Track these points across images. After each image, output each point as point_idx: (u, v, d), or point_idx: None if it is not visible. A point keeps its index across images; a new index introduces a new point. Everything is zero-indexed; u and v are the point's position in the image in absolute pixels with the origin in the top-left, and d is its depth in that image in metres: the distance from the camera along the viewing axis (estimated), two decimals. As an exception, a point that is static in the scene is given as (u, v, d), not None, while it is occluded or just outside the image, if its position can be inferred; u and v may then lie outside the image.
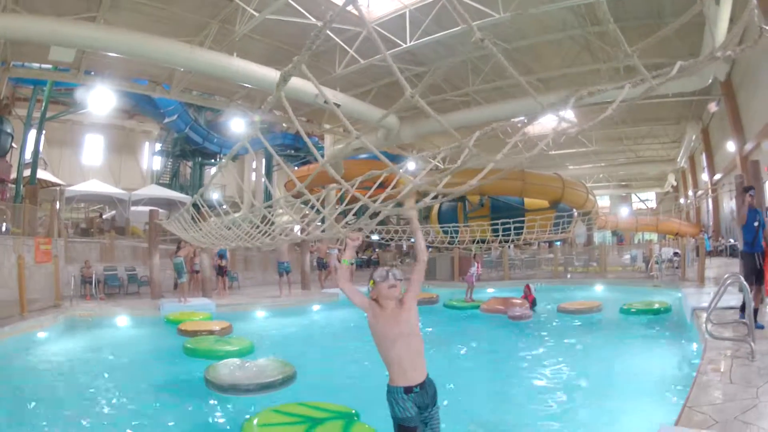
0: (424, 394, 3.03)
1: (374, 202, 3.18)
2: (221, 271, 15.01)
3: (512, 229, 17.95)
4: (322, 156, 22.20)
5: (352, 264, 3.25)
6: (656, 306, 10.25)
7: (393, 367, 3.00)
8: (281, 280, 14.00)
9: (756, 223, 6.66)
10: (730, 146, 19.82)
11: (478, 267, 13.14)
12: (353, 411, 4.30)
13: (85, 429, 4.63)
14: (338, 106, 16.42)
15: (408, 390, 2.97)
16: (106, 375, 6.39)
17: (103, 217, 26.18)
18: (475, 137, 3.00)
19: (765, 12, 11.98)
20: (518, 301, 11.07)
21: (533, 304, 11.14)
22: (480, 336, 9.06)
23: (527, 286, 11.67)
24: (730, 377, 4.76)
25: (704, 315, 6.70)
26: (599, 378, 6.38)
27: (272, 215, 5.86)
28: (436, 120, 2.50)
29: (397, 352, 2.98)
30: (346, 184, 3.12)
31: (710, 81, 16.19)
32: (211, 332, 8.67)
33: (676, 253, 16.95)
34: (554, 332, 9.16)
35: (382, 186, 4.02)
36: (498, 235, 18.25)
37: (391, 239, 21.10)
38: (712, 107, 19.33)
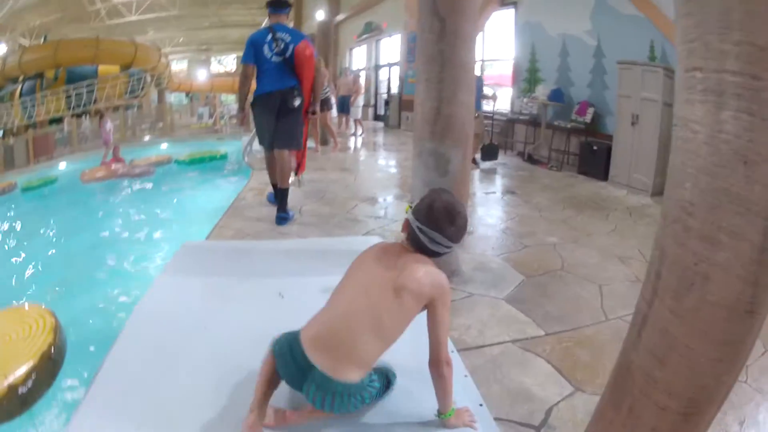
0: None
1: None
2: None
3: (84, 96, 16.80)
4: None
5: None
6: (212, 154, 11.22)
7: None
8: None
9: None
10: (320, 15, 21.56)
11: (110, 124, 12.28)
12: None
13: None
14: None
15: None
16: None
17: None
18: None
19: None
20: (120, 165, 10.89)
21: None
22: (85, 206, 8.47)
23: (116, 147, 11.81)
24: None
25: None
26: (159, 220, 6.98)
27: None
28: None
29: None
30: None
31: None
32: None
33: (239, 109, 18.73)
34: (127, 187, 9.40)
35: None
36: (72, 106, 16.82)
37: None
38: None
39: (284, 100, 4.62)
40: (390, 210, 5.47)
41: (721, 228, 1.15)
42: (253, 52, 4.58)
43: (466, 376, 2.22)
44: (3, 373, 2.67)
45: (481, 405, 2.02)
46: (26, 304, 3.62)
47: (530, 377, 2.27)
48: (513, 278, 3.46)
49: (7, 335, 3.11)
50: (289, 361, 1.75)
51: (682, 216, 1.23)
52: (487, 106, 9.76)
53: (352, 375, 1.71)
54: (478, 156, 8.39)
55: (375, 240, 3.78)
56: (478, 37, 11.33)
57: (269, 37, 4.56)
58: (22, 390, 2.64)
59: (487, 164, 8.52)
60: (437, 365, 1.76)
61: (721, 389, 1.23)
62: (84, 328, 3.73)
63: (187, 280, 3.33)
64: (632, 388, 1.35)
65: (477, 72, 8.09)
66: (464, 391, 2.07)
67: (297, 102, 4.65)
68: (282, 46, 4.56)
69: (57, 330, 3.11)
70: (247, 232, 4.55)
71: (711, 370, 1.20)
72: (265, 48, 4.56)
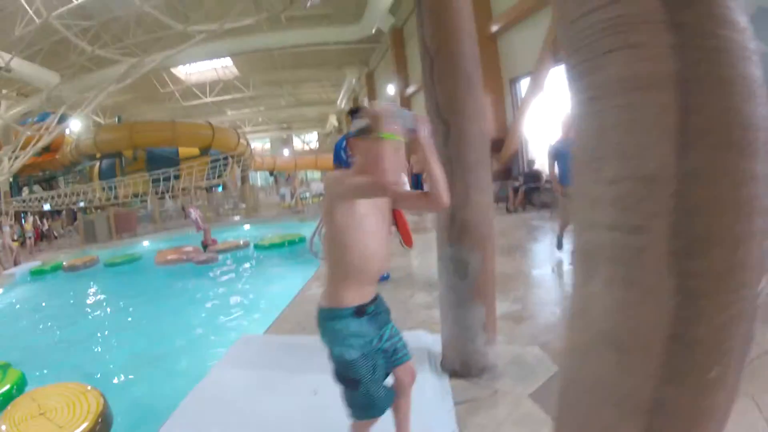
0: (379, 309, 2.00)
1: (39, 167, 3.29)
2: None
3: (170, 178, 18.59)
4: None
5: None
6: (291, 238, 11.22)
7: (356, 275, 1.86)
8: None
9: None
10: (391, 89, 22.34)
11: (195, 212, 12.53)
12: (5, 362, 4.78)
13: None
14: (8, 71, 14.79)
15: (360, 311, 1.87)
16: None
17: None
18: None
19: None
20: (191, 248, 11.24)
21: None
22: (156, 287, 9.08)
23: (207, 229, 12.09)
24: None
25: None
26: (230, 309, 7.14)
27: None
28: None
29: (375, 249, 1.89)
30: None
31: (374, 31, 19.14)
32: None
33: (327, 188, 19.37)
34: (203, 271, 9.89)
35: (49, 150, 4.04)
36: (155, 186, 18.63)
37: (62, 205, 19.26)
38: None
39: None
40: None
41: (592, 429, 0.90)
42: (335, 155, 5.86)
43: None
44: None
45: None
46: (75, 384, 3.90)
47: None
48: (546, 371, 3.40)
49: (52, 410, 3.46)
50: None
51: (558, 411, 1.02)
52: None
53: (323, 301, 1.92)
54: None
55: (421, 333, 4.10)
56: (541, 95, 11.66)
57: (344, 143, 5.63)
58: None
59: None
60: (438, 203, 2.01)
61: None
62: (136, 409, 4.07)
63: (239, 372, 3.73)
64: None
65: (559, 133, 6.90)
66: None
67: None
68: None
69: (101, 415, 3.43)
70: (305, 325, 4.71)
71: None
72: (342, 153, 5.71)
